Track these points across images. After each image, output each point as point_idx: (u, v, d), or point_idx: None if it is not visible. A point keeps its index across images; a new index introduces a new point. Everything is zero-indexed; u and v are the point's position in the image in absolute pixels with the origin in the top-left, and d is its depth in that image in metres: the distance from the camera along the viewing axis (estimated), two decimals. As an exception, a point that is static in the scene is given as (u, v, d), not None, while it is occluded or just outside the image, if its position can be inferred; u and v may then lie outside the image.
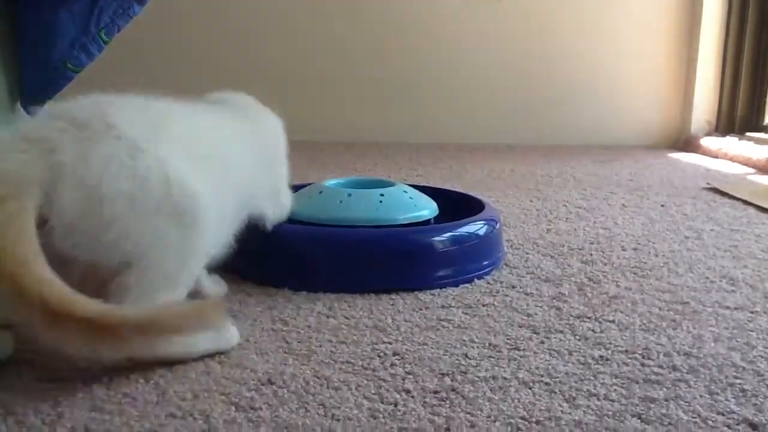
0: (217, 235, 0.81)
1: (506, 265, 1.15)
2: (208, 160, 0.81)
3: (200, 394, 0.69)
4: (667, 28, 2.98)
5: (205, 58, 2.78)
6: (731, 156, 2.53)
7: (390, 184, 1.20)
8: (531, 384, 0.73)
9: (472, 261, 1.09)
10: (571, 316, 0.93)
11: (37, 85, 0.88)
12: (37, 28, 0.86)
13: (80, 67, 0.89)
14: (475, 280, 1.06)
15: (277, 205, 1.05)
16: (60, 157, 0.66)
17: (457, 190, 1.44)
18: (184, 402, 0.67)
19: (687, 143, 2.87)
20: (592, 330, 0.88)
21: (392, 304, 0.96)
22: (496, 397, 0.69)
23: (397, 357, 0.79)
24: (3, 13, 0.87)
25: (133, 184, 0.69)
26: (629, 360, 0.79)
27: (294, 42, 2.86)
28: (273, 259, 1.06)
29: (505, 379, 0.74)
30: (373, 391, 0.70)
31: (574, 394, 0.70)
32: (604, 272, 1.12)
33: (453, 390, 0.71)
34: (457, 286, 1.04)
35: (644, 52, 3.00)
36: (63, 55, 0.86)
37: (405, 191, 1.17)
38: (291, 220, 1.13)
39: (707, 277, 1.10)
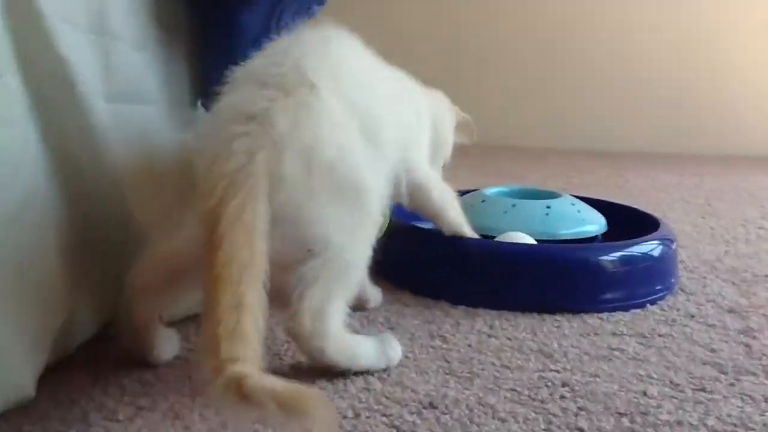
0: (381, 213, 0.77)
1: (681, 290, 1.05)
2: (378, 120, 0.77)
3: (361, 412, 0.67)
4: None
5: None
6: None
7: (556, 195, 1.13)
8: (724, 435, 0.64)
9: (644, 284, 1.00)
10: (764, 355, 0.82)
11: (219, 85, 0.89)
12: (220, 28, 0.87)
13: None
14: (648, 305, 0.98)
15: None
16: (280, 129, 0.66)
17: (623, 203, 1.35)
18: (345, 420, 0.65)
19: None
20: (791, 375, 0.77)
21: (557, 327, 0.90)
22: (685, 448, 0.62)
23: (566, 389, 0.73)
24: (191, 13, 0.89)
25: (335, 154, 0.69)
26: (841, 416, 0.68)
27: (443, 42, 2.83)
28: (431, 269, 1.03)
29: (692, 425, 0.66)
30: (543, 427, 0.65)
31: (777, 453, 0.62)
32: (797, 305, 1.00)
33: (633, 434, 0.64)
34: (627, 310, 0.96)
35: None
36: (245, 55, 0.87)
37: (573, 203, 1.11)
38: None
39: None
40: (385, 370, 0.76)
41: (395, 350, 0.77)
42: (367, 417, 0.66)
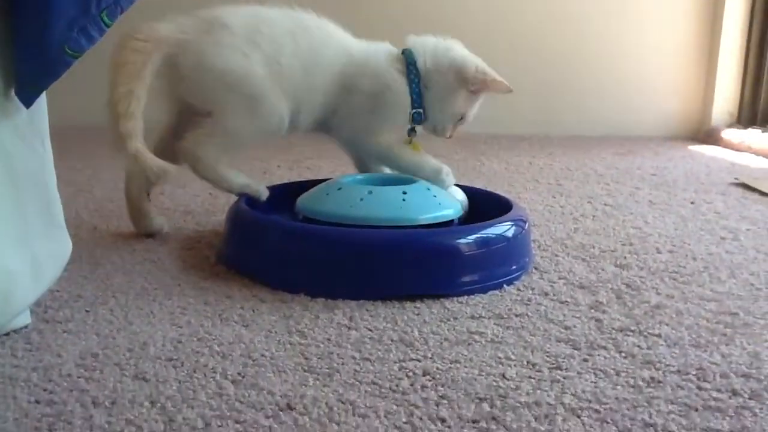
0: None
1: (536, 269, 1.08)
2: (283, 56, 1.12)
3: (212, 421, 0.62)
4: (689, 16, 2.88)
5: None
6: (755, 149, 2.44)
7: (412, 181, 1.12)
8: (579, 411, 0.65)
9: (500, 265, 1.01)
10: (613, 329, 0.85)
11: (34, 72, 0.79)
12: (31, 11, 0.78)
13: (80, 52, 0.80)
14: (504, 286, 0.99)
15: None
16: (189, 36, 1.08)
17: (477, 186, 1.37)
18: (195, 431, 0.60)
19: (708, 135, 2.78)
20: (638, 346, 0.80)
21: (417, 314, 0.89)
22: (542, 428, 0.62)
23: (427, 377, 0.71)
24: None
25: (225, 64, 1.08)
26: (683, 383, 0.72)
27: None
28: (288, 261, 0.99)
29: (550, 405, 0.66)
30: (404, 420, 0.63)
31: (628, 425, 0.63)
32: (641, 278, 1.05)
33: (493, 419, 0.64)
34: (485, 292, 0.96)
35: (665, 40, 2.89)
36: (61, 38, 0.78)
37: (428, 189, 1.10)
38: (308, 218, 1.06)
39: (752, 284, 1.03)
40: (239, 372, 0.71)
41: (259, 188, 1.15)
42: (219, 426, 0.61)
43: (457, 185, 1.24)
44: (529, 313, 0.89)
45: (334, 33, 1.20)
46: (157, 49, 1.06)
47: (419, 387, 0.69)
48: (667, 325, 0.87)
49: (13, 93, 0.80)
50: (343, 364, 0.74)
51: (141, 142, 1.00)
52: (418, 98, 1.19)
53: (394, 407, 0.65)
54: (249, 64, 1.08)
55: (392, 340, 0.80)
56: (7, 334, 0.79)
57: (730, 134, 2.65)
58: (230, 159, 1.13)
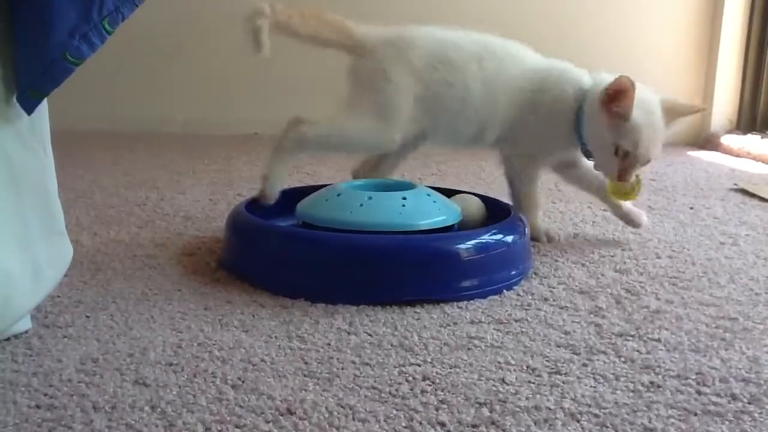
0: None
1: (535, 274, 1.08)
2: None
3: (212, 425, 0.62)
4: (688, 22, 2.89)
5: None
6: (754, 155, 2.45)
7: (411, 187, 1.12)
8: (578, 416, 0.65)
9: (499, 270, 1.01)
10: (613, 333, 0.85)
11: (35, 78, 0.79)
12: (32, 10, 0.78)
13: (81, 59, 0.80)
14: (504, 291, 0.99)
15: None
16: (377, 45, 1.20)
17: (477, 192, 1.37)
18: (195, 436, 0.61)
19: (707, 141, 2.78)
20: (638, 351, 0.80)
21: (417, 319, 0.89)
22: (542, 433, 0.62)
23: (427, 382, 0.71)
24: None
25: (394, 74, 1.17)
26: (683, 387, 0.72)
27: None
28: (288, 267, 0.99)
29: (549, 409, 0.66)
30: (404, 424, 0.63)
31: (628, 429, 0.63)
32: (641, 283, 1.05)
33: (493, 423, 0.64)
34: (485, 297, 0.96)
35: (664, 46, 2.90)
36: (62, 45, 0.78)
37: (428, 194, 1.10)
38: (307, 224, 1.07)
39: (752, 289, 1.03)
40: (239, 377, 0.71)
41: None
42: (219, 430, 0.61)
43: (455, 191, 1.24)
44: (529, 318, 0.89)
45: (519, 52, 1.28)
46: (346, 41, 1.19)
47: (419, 392, 0.69)
48: (666, 329, 0.87)
49: (14, 99, 0.80)
50: (343, 368, 0.74)
51: (266, 31, 1.12)
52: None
53: (394, 412, 0.65)
54: (408, 86, 1.16)
55: (392, 345, 0.80)
56: (8, 339, 0.79)
57: (729, 140, 2.65)
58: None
